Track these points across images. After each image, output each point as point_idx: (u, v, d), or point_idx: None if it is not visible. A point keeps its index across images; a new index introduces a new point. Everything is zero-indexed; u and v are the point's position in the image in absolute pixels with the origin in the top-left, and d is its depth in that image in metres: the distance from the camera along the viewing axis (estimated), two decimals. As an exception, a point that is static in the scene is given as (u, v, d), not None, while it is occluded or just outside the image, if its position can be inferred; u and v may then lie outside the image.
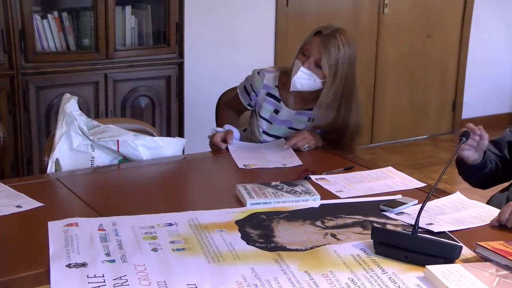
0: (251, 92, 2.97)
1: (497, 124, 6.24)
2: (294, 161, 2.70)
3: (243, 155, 2.76)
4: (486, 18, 6.20)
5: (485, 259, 1.82)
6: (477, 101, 6.38)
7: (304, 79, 2.77)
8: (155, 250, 1.84)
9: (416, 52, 5.97)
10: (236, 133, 2.92)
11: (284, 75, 2.91)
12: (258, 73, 2.96)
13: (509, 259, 1.75)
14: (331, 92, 2.77)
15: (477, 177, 2.55)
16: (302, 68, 2.76)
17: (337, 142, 2.91)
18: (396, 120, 6.02)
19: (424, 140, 6.15)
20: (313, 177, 2.50)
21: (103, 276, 1.67)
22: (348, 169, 2.62)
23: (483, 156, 2.48)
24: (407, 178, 2.54)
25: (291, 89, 2.81)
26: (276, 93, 2.93)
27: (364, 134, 5.85)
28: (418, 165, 5.44)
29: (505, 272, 1.74)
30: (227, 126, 2.93)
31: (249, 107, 3.04)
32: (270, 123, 2.95)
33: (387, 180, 2.51)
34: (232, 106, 3.13)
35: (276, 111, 2.93)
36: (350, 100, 2.83)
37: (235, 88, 3.13)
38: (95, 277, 1.66)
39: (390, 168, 2.65)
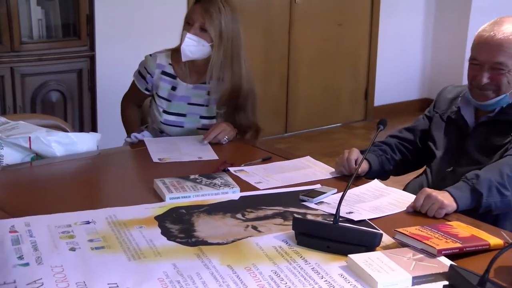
0: (146, 75, 2.98)
1: (407, 110, 6.43)
2: (210, 154, 2.69)
3: (159, 149, 2.72)
4: (395, 7, 6.32)
5: (403, 244, 1.86)
6: (388, 89, 6.51)
7: (192, 45, 2.82)
8: (73, 249, 1.78)
9: (328, 40, 6.04)
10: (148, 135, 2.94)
11: (175, 52, 2.93)
12: (150, 55, 2.99)
13: (424, 243, 1.79)
14: (220, 53, 2.83)
15: (385, 175, 2.59)
16: (188, 35, 2.80)
17: (239, 114, 2.95)
18: (310, 108, 6.08)
19: (338, 128, 6.24)
20: (231, 169, 2.48)
21: (15, 282, 1.59)
22: (266, 160, 2.61)
23: (379, 163, 2.54)
24: (326, 167, 2.56)
25: (183, 59, 2.85)
26: (171, 70, 2.95)
27: (279, 123, 5.89)
28: (333, 152, 5.49)
29: (421, 255, 1.78)
30: (147, 134, 2.94)
31: (146, 92, 3.03)
32: (169, 101, 2.95)
33: (305, 169, 2.52)
34: (132, 98, 3.12)
35: (174, 88, 2.95)
36: (239, 60, 2.89)
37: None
38: (5, 284, 1.59)
39: (308, 157, 2.66)
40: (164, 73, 2.95)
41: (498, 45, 2.29)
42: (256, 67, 5.60)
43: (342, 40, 6.12)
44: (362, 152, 2.46)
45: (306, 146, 5.67)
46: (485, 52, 2.33)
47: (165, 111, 2.95)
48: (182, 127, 2.94)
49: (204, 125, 2.93)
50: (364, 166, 2.46)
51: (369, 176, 2.50)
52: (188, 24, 2.84)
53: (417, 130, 2.64)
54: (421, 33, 6.59)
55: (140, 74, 3.00)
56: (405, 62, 6.57)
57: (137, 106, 3.16)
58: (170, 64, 2.95)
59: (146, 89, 3.01)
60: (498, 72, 2.32)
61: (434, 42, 6.61)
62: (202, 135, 2.84)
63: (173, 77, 2.95)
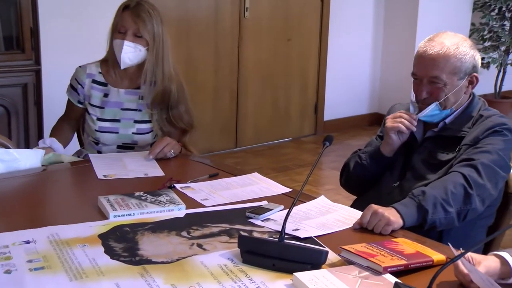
0: (77, 87, 2.99)
1: (357, 124, 6.49)
2: (156, 171, 2.65)
3: (104, 165, 2.68)
4: (344, 22, 6.39)
5: (349, 262, 1.85)
6: (338, 103, 6.56)
7: (130, 52, 2.86)
8: (8, 272, 1.72)
9: (277, 55, 6.06)
10: (58, 149, 2.88)
11: (105, 63, 2.99)
12: (80, 66, 3.02)
13: (370, 260, 1.79)
14: (153, 56, 2.88)
15: (370, 175, 2.57)
16: (126, 43, 2.84)
17: (174, 114, 2.96)
18: (260, 123, 6.08)
19: (287, 143, 6.25)
20: (178, 185, 2.45)
21: None
22: (213, 176, 2.59)
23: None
24: (273, 183, 2.54)
25: (122, 66, 2.89)
26: (101, 79, 2.98)
27: (229, 138, 5.88)
28: (282, 167, 5.51)
29: (367, 273, 1.77)
30: (48, 141, 2.88)
31: (80, 105, 3.02)
32: (102, 108, 2.96)
33: (252, 186, 2.50)
34: (66, 116, 3.11)
35: (106, 95, 2.97)
36: (168, 61, 2.94)
37: None
38: None
39: (255, 174, 2.65)
40: (94, 81, 2.97)
41: (431, 60, 2.35)
42: (206, 82, 5.62)
43: (291, 55, 6.15)
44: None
45: (256, 161, 5.66)
46: (421, 67, 2.39)
47: (99, 119, 2.95)
48: (117, 132, 2.95)
49: (139, 129, 2.95)
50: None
51: (367, 177, 2.52)
52: (119, 33, 2.86)
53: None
54: (370, 49, 6.67)
55: (72, 87, 3.02)
56: (355, 77, 6.64)
57: (69, 126, 3.11)
58: (100, 72, 2.98)
59: (79, 102, 3.01)
60: (435, 86, 2.37)
61: (383, 57, 6.70)
62: (148, 151, 2.81)
63: (104, 84, 2.97)
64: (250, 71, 5.91)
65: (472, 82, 2.42)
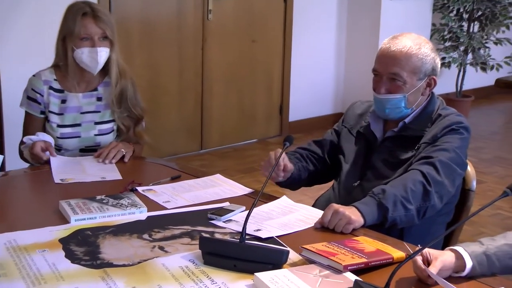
0: (36, 96, 2.93)
1: (322, 125, 6.51)
2: (114, 174, 2.64)
3: (62, 169, 2.66)
4: (308, 23, 6.41)
5: (310, 261, 1.86)
6: (303, 104, 6.59)
7: (103, 56, 2.85)
8: (-36, 282, 1.70)
9: (242, 57, 6.06)
10: (51, 140, 2.85)
11: (57, 68, 2.94)
12: (34, 75, 2.96)
13: (330, 259, 1.80)
14: (114, 54, 2.89)
15: (300, 182, 2.61)
16: (99, 49, 2.82)
17: (133, 107, 2.96)
18: (225, 125, 6.08)
19: (253, 144, 6.26)
20: (139, 188, 2.44)
21: None
22: (175, 179, 2.59)
23: (297, 169, 2.56)
24: (235, 184, 2.55)
25: (96, 72, 2.88)
26: (57, 85, 2.94)
27: (194, 140, 5.87)
28: (248, 169, 5.52)
29: (328, 271, 1.79)
30: (41, 134, 2.83)
31: (42, 115, 2.95)
32: (61, 114, 2.93)
33: (215, 188, 2.50)
34: (29, 131, 2.95)
35: (64, 101, 2.93)
36: (120, 56, 2.94)
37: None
38: None
39: (218, 175, 2.65)
40: (51, 88, 2.92)
41: (393, 57, 2.37)
42: (170, 85, 5.60)
43: (256, 57, 6.16)
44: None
45: (222, 163, 5.66)
46: (383, 63, 2.41)
47: (59, 125, 2.91)
48: (79, 136, 2.92)
49: (100, 130, 2.94)
50: (290, 166, 2.47)
51: (287, 182, 2.53)
52: (83, 40, 2.82)
53: (325, 144, 2.67)
54: (334, 49, 6.70)
55: (30, 98, 2.93)
56: (319, 77, 6.67)
57: None
58: (55, 79, 2.93)
59: (42, 112, 2.94)
60: (395, 84, 2.39)
61: (346, 58, 6.74)
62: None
63: (61, 91, 2.93)
64: (214, 73, 5.90)
65: (430, 84, 2.44)
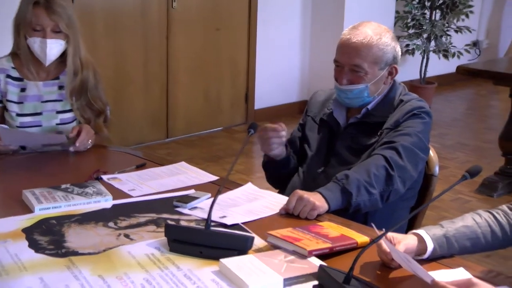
0: None
1: (288, 112, 6.54)
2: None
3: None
4: (273, 11, 6.42)
5: (275, 247, 1.88)
6: (268, 92, 6.60)
7: (54, 48, 2.79)
8: None
9: (207, 45, 6.05)
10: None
11: (15, 56, 2.88)
12: None
13: (295, 244, 1.82)
14: (72, 46, 2.82)
15: (283, 173, 2.60)
16: (49, 41, 2.76)
17: (94, 98, 2.91)
18: (191, 113, 6.07)
19: (219, 132, 6.26)
20: (104, 177, 2.44)
21: None
22: (140, 167, 2.58)
23: (286, 151, 2.55)
24: (200, 172, 2.56)
25: (47, 63, 2.82)
26: (15, 74, 2.88)
27: (160, 129, 5.85)
28: (214, 157, 5.52)
29: (293, 257, 1.80)
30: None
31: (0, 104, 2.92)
32: (21, 103, 2.88)
33: (180, 175, 2.51)
34: None
35: (23, 90, 2.88)
36: (82, 47, 2.88)
37: None
38: None
39: (182, 163, 2.65)
40: (9, 76, 2.87)
41: (354, 48, 2.38)
42: (135, 74, 5.58)
43: (220, 45, 6.15)
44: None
45: (188, 152, 5.66)
46: (344, 54, 2.42)
47: (18, 114, 2.87)
48: (40, 125, 2.88)
49: (62, 119, 2.90)
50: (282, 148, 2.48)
51: (274, 172, 2.57)
52: (35, 31, 2.76)
53: (295, 140, 2.66)
54: (299, 37, 6.72)
55: None
56: (284, 65, 6.68)
57: None
58: (13, 67, 2.88)
59: None
60: (356, 75, 2.40)
61: (311, 45, 6.76)
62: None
63: (20, 79, 2.88)
64: (179, 62, 5.88)
65: (392, 73, 2.46)
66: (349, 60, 2.40)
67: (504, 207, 2.01)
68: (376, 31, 2.41)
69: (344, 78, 2.42)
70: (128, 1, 5.43)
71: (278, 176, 2.63)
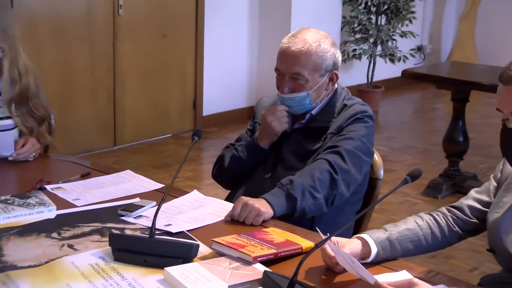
0: None
1: (237, 118, 6.54)
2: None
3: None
4: (219, 18, 6.42)
5: (220, 254, 1.88)
6: (217, 98, 6.59)
7: None
8: None
9: (154, 52, 6.01)
10: None
11: None
12: None
13: (240, 251, 1.82)
14: (10, 58, 2.70)
15: (240, 173, 2.58)
16: None
17: (35, 105, 2.81)
18: (139, 121, 6.03)
19: (167, 139, 6.23)
20: (48, 187, 2.40)
21: None
22: (85, 176, 2.55)
23: None
24: (146, 180, 2.54)
25: None
26: None
27: (107, 137, 5.79)
28: (163, 164, 5.49)
29: (238, 264, 1.81)
30: None
31: None
32: None
33: (125, 184, 2.49)
34: None
35: None
36: (21, 53, 2.77)
37: None
38: None
39: (128, 171, 2.63)
40: None
41: (293, 57, 2.39)
42: (82, 81, 5.51)
43: (168, 51, 6.13)
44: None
45: (136, 159, 5.61)
46: (284, 63, 2.43)
47: None
48: None
49: (2, 126, 2.78)
50: None
51: (244, 170, 2.54)
52: None
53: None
54: (246, 43, 6.73)
55: None
56: (232, 71, 6.69)
57: None
58: None
59: None
60: (297, 83, 2.42)
61: (259, 51, 6.78)
62: None
63: None
64: (127, 68, 5.84)
65: (333, 79, 2.47)
66: (289, 68, 2.41)
67: (444, 209, 2.05)
68: (315, 38, 2.42)
69: (286, 86, 2.43)
70: (73, 9, 5.36)
71: (238, 170, 2.58)
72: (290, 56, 2.40)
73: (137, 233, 2.03)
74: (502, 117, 1.81)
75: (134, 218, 2.15)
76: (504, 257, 1.90)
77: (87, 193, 2.37)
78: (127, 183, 2.49)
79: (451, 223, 2.00)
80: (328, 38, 2.46)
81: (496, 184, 2.00)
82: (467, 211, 2.01)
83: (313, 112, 2.48)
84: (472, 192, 2.06)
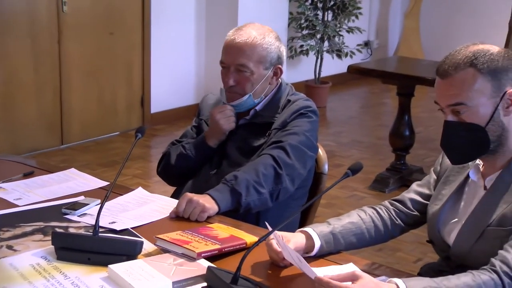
0: None
1: (185, 115, 6.51)
2: None
3: None
4: (166, 15, 6.38)
5: (164, 250, 1.88)
6: (165, 95, 6.56)
7: None
8: None
9: (100, 49, 5.95)
10: None
11: None
12: None
13: (184, 247, 1.82)
14: None
15: (186, 170, 2.56)
16: None
17: None
18: (86, 119, 5.96)
19: (115, 137, 6.18)
20: (-12, 187, 2.36)
21: None
22: (28, 175, 2.51)
23: None
24: (90, 178, 2.52)
25: None
26: None
27: (54, 135, 5.72)
28: (111, 162, 5.44)
29: (182, 260, 1.81)
30: None
31: None
32: None
33: (69, 182, 2.46)
34: None
35: None
36: None
37: None
38: None
39: (72, 169, 2.60)
40: None
41: (238, 48, 2.41)
42: (26, 80, 5.42)
43: (115, 49, 6.07)
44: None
45: (84, 158, 5.55)
46: (229, 54, 2.44)
47: None
48: None
49: None
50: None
51: (190, 167, 2.53)
52: None
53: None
54: (194, 40, 6.71)
55: None
56: (180, 68, 6.66)
57: None
58: None
59: None
60: (242, 75, 2.42)
61: (206, 48, 6.76)
62: None
63: None
64: (73, 66, 5.76)
65: (277, 73, 2.48)
66: (234, 59, 2.42)
67: (386, 202, 2.08)
68: (259, 31, 2.44)
69: (231, 78, 2.43)
70: (13, 6, 5.26)
71: (184, 167, 2.56)
72: (235, 47, 2.41)
73: (81, 231, 2.01)
74: (439, 109, 1.84)
75: (78, 216, 2.13)
76: (441, 247, 1.94)
77: (30, 192, 2.33)
78: (72, 181, 2.46)
79: (393, 216, 2.03)
80: (272, 32, 2.48)
81: (436, 177, 2.04)
82: (409, 204, 2.04)
83: (258, 108, 2.49)
84: (414, 186, 2.10)
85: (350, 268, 1.81)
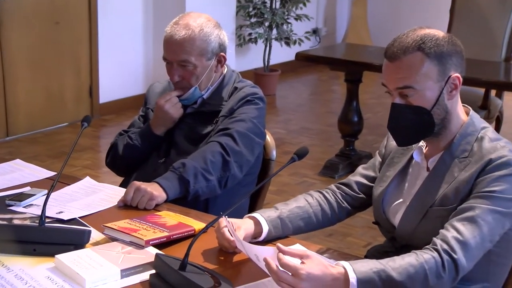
0: None
1: (134, 105, 6.46)
2: None
3: None
4: (113, 4, 6.31)
5: (112, 239, 1.87)
6: (113, 85, 6.50)
7: None
8: None
9: (46, 39, 5.86)
10: None
11: None
12: None
13: (132, 235, 1.82)
14: None
15: (133, 160, 2.54)
16: None
17: None
18: (33, 110, 5.87)
19: (64, 128, 6.10)
20: None
21: None
22: (-30, 167, 2.48)
23: None
24: (36, 168, 2.49)
25: None
26: None
27: (-1, 128, 5.62)
28: (59, 153, 5.38)
29: (130, 248, 1.80)
30: None
31: None
32: None
33: (14, 173, 2.43)
34: None
35: None
36: None
37: None
38: None
39: (17, 160, 2.57)
40: None
41: (178, 45, 2.39)
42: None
43: (61, 39, 5.98)
44: None
45: (31, 149, 5.47)
46: (170, 51, 2.42)
47: None
48: None
49: None
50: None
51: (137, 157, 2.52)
52: None
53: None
54: (141, 29, 6.65)
55: None
56: (128, 57, 6.60)
57: None
58: None
59: None
60: (186, 69, 2.41)
61: (154, 37, 6.71)
62: None
63: None
64: (16, 57, 5.66)
65: (221, 61, 2.47)
66: (176, 56, 2.40)
67: (333, 186, 2.11)
68: (197, 22, 2.41)
69: (175, 74, 2.42)
70: None
71: (131, 157, 2.55)
72: (174, 44, 2.39)
73: (27, 222, 1.98)
74: (386, 91, 1.87)
75: (23, 207, 2.10)
76: (386, 228, 1.98)
77: (-28, 185, 2.30)
78: (17, 173, 2.43)
79: (340, 199, 2.06)
80: (210, 20, 2.45)
81: (381, 160, 2.07)
82: (355, 187, 2.07)
83: (205, 96, 2.48)
84: (360, 169, 2.12)
85: (297, 247, 1.82)
